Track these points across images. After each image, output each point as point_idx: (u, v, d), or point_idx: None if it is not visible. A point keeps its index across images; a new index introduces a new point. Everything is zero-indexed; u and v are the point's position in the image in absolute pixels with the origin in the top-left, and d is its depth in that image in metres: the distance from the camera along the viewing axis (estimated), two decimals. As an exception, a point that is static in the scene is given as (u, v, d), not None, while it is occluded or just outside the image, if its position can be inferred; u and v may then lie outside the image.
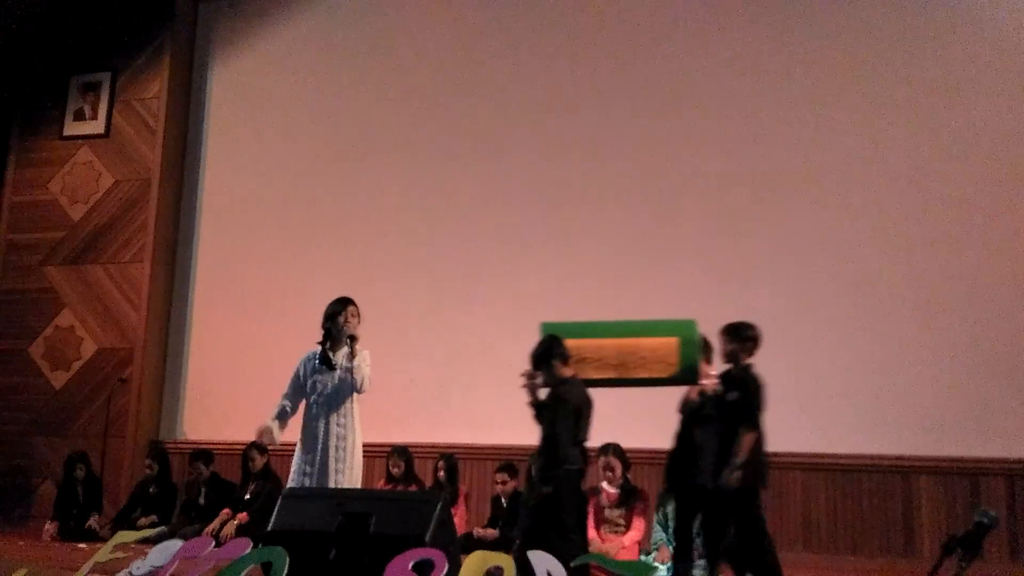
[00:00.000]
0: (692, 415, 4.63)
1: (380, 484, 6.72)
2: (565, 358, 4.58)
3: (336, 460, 4.89)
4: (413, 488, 6.57)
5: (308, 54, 8.60)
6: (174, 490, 7.45)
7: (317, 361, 5.01)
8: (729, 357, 4.57)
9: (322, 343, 5.04)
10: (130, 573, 3.36)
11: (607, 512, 5.86)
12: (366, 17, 8.48)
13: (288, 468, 5.05)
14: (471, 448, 7.12)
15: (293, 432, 5.10)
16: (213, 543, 3.40)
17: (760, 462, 4.43)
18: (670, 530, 5.24)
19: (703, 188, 7.24)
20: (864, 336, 6.66)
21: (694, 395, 4.64)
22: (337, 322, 5.01)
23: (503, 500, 6.43)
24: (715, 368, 4.67)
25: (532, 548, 3.10)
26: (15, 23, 8.53)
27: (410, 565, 2.98)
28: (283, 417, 5.07)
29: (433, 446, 7.04)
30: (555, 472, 4.42)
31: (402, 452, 6.68)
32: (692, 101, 7.39)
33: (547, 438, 4.51)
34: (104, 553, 3.57)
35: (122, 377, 8.27)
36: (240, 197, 8.56)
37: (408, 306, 7.71)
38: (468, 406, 7.30)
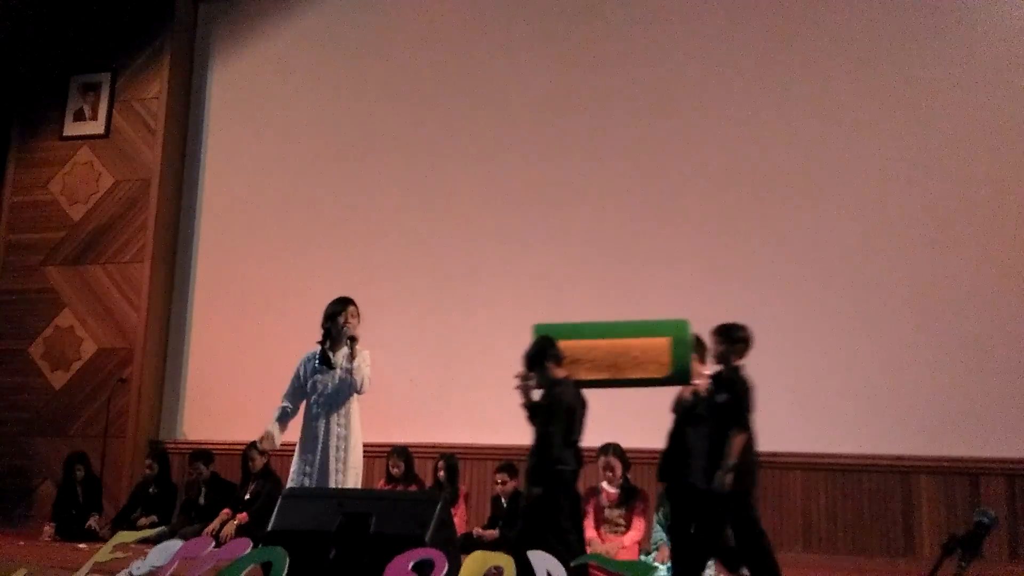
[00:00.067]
0: (685, 414, 4.63)
1: (380, 484, 6.72)
2: (558, 359, 4.61)
3: (336, 460, 4.89)
4: (413, 488, 6.57)
5: (308, 54, 8.60)
6: (174, 490, 7.45)
7: (317, 361, 5.02)
8: (720, 358, 4.57)
9: (321, 342, 5.04)
10: (130, 573, 3.37)
11: (607, 512, 5.86)
12: (366, 17, 8.48)
13: (288, 468, 5.06)
14: (471, 448, 7.12)
15: (293, 432, 5.10)
16: (213, 543, 3.40)
17: (751, 463, 4.44)
18: (670, 530, 5.24)
19: (703, 188, 7.24)
20: (864, 336, 6.66)
21: (687, 394, 4.65)
22: (337, 322, 5.02)
23: (503, 500, 6.43)
24: (709, 368, 4.67)
25: (525, 549, 3.11)
26: (15, 23, 8.54)
27: (410, 565, 2.98)
28: (284, 419, 5.08)
29: (433, 446, 7.04)
30: (547, 473, 4.44)
31: (402, 452, 6.68)
32: (692, 101, 7.39)
33: (540, 439, 4.53)
34: (104, 553, 3.57)
35: (122, 377, 8.27)
36: (240, 197, 8.56)
37: (408, 306, 7.71)
38: (468, 406, 7.30)
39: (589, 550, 5.33)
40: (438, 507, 3.84)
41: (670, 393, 4.74)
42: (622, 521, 5.81)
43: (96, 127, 8.86)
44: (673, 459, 4.63)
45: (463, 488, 6.73)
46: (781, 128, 7.14)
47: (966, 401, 6.35)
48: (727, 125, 7.26)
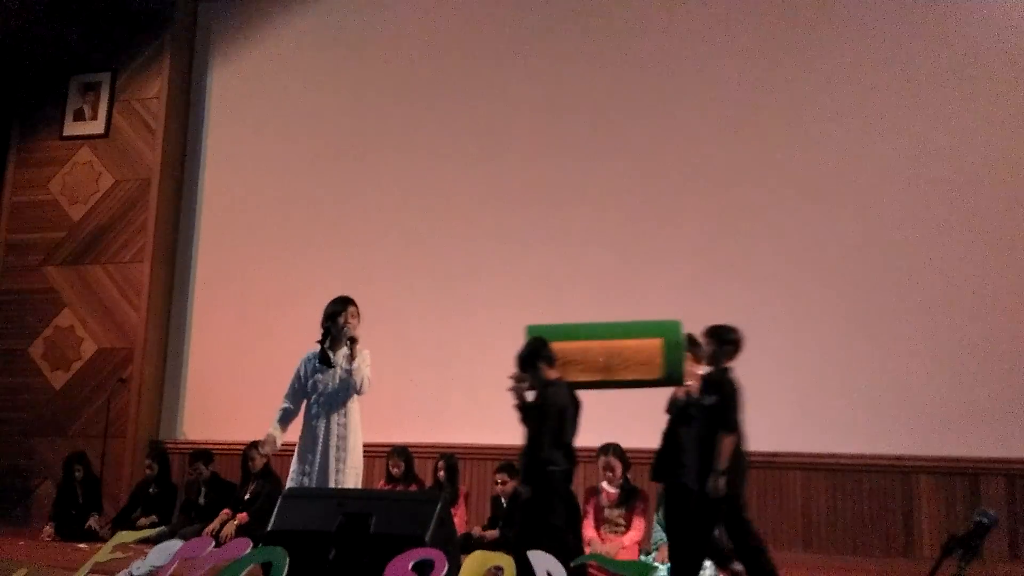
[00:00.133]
0: (678, 415, 4.64)
1: (380, 484, 6.72)
2: (551, 360, 4.62)
3: (336, 460, 4.89)
4: (413, 488, 6.57)
5: (308, 54, 8.60)
6: (174, 490, 7.44)
7: (317, 361, 5.02)
8: (709, 359, 4.57)
9: (321, 342, 5.04)
10: (130, 573, 3.36)
11: (607, 512, 5.85)
12: (366, 17, 8.48)
13: (288, 468, 5.05)
14: (471, 448, 7.13)
15: (293, 432, 5.10)
16: (213, 543, 3.40)
17: (740, 465, 4.44)
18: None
19: (702, 188, 7.24)
20: (864, 336, 6.66)
21: (680, 394, 4.66)
22: (337, 322, 5.01)
23: (503, 500, 6.43)
24: (702, 368, 4.68)
25: (525, 549, 3.11)
26: (15, 23, 8.53)
27: (410, 565, 2.98)
28: (286, 420, 5.07)
29: (433, 446, 7.04)
30: (537, 473, 4.45)
31: (402, 452, 6.68)
32: (692, 101, 7.40)
33: (531, 439, 4.54)
34: (104, 553, 3.57)
35: (122, 377, 8.27)
36: (240, 197, 8.56)
37: (408, 306, 7.72)
38: (468, 406, 7.30)
39: (589, 550, 5.35)
40: (438, 507, 3.84)
41: (670, 393, 4.74)
42: (622, 521, 5.81)
43: (96, 127, 8.87)
44: (666, 459, 4.64)
45: (463, 488, 6.73)
46: (781, 128, 7.14)
47: (966, 401, 6.36)
48: (727, 125, 7.27)
